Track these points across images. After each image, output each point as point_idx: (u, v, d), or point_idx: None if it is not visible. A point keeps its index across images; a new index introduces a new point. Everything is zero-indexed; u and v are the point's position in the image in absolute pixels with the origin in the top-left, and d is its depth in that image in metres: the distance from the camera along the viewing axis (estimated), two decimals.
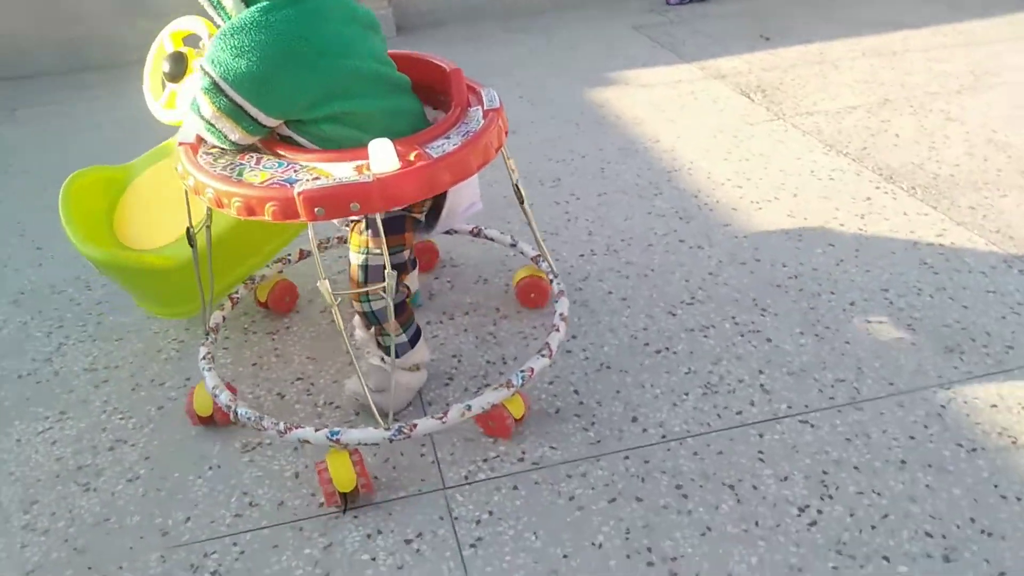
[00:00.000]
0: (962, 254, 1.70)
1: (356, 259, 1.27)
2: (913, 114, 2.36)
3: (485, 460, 1.28)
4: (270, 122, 1.17)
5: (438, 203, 1.30)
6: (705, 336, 1.52)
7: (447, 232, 1.71)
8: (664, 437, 1.30)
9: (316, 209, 1.05)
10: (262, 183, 1.11)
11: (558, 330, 1.37)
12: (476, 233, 1.70)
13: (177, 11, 3.58)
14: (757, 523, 1.14)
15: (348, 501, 1.21)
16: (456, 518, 1.18)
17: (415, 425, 1.21)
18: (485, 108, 1.24)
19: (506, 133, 1.25)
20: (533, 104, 2.65)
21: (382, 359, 1.36)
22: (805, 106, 2.47)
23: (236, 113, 1.14)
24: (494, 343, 1.54)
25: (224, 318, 1.55)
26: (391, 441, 1.21)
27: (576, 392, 1.40)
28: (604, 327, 1.56)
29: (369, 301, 1.27)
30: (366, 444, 1.21)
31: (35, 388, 1.52)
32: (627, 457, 1.27)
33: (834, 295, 1.60)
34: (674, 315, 1.58)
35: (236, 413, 1.28)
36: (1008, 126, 2.23)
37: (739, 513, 1.16)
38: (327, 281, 1.12)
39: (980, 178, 1.99)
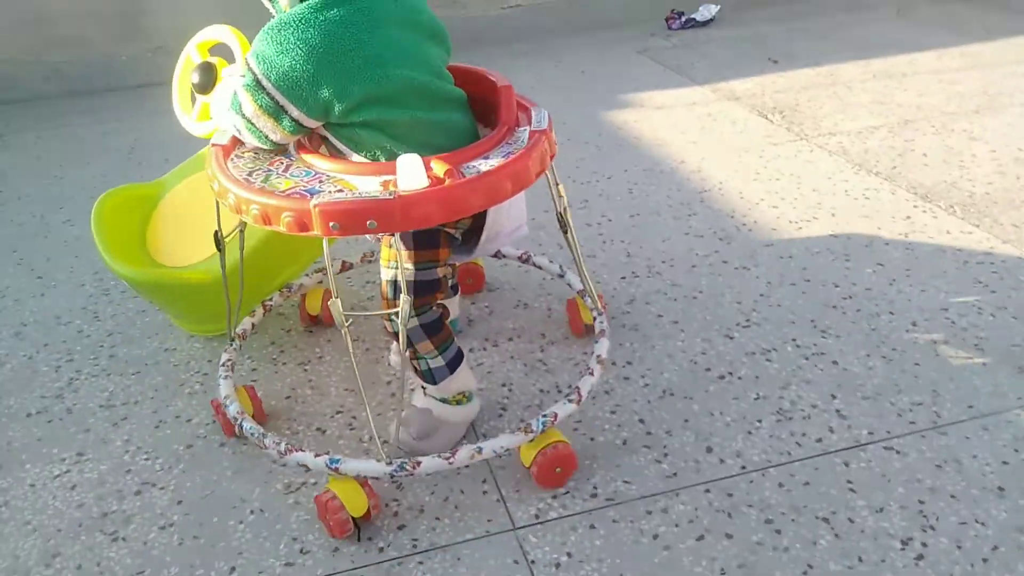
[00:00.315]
0: (1015, 272, 1.66)
1: (386, 274, 1.19)
2: (936, 134, 2.34)
3: (555, 497, 1.18)
4: (311, 123, 1.09)
5: (478, 223, 1.20)
6: (768, 360, 1.44)
7: (495, 256, 1.63)
8: (744, 468, 1.22)
9: (331, 224, 0.99)
10: (284, 191, 1.04)
11: (592, 374, 1.27)
12: (525, 259, 1.62)
13: (171, 34, 3.52)
14: (861, 559, 1.06)
15: (360, 528, 1.13)
16: (532, 561, 1.08)
17: (419, 463, 1.12)
18: (532, 128, 1.15)
19: (552, 156, 1.16)
20: None
21: (424, 394, 1.26)
22: (826, 127, 2.45)
23: (277, 112, 1.07)
24: (544, 370, 1.44)
25: (253, 325, 1.47)
26: (392, 477, 1.13)
27: (642, 421, 1.32)
28: (660, 352, 1.48)
29: (393, 320, 1.13)
30: (369, 477, 1.13)
31: (47, 427, 1.39)
32: (708, 490, 1.18)
33: (893, 315, 1.54)
34: (731, 338, 1.51)
35: (241, 427, 1.22)
36: None
37: (839, 548, 1.08)
38: (339, 302, 1.04)
39: (1017, 196, 1.96)
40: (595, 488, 1.19)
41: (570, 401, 1.21)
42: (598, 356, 1.30)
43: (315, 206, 0.98)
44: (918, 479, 1.18)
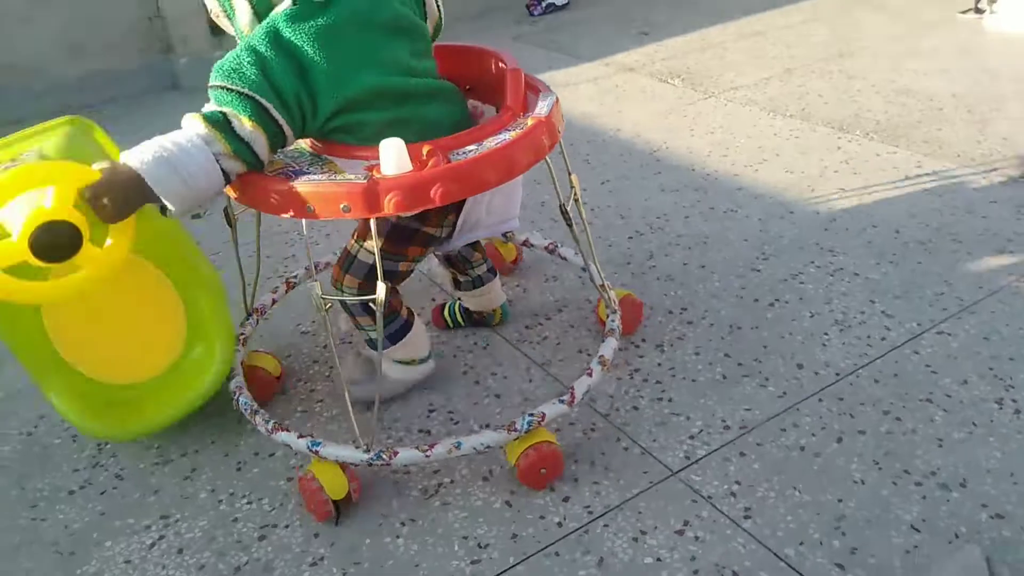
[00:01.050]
0: (949, 177, 1.92)
1: (351, 247, 1.23)
2: (820, 78, 2.63)
3: (692, 437, 1.22)
4: (292, 137, 1.07)
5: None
6: (800, 283, 1.57)
7: (524, 244, 1.61)
8: (838, 375, 1.33)
9: (307, 206, 1.00)
10: (272, 171, 1.06)
11: (590, 375, 1.21)
12: (551, 250, 1.60)
13: (10, 69, 3.08)
14: (974, 423, 1.20)
15: (340, 511, 1.13)
16: (709, 496, 1.12)
17: (396, 452, 1.12)
18: (532, 115, 1.14)
19: (552, 146, 1.11)
20: None
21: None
22: (724, 83, 2.66)
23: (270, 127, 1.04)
24: (556, 363, 1.48)
25: (274, 301, 1.45)
26: (370, 464, 1.12)
27: (728, 356, 1.39)
28: (706, 293, 1.56)
29: (343, 291, 1.23)
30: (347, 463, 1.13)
31: (104, 500, 1.21)
32: (820, 399, 1.28)
33: (877, 227, 1.73)
34: (758, 271, 1.62)
35: (238, 402, 1.24)
36: (901, 78, 2.56)
37: (952, 420, 1.21)
38: (318, 285, 1.08)
39: (912, 119, 2.26)
40: (723, 421, 1.25)
41: (561, 402, 1.16)
42: (601, 356, 1.24)
43: (291, 188, 1.01)
44: (976, 352, 1.35)
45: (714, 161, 2.11)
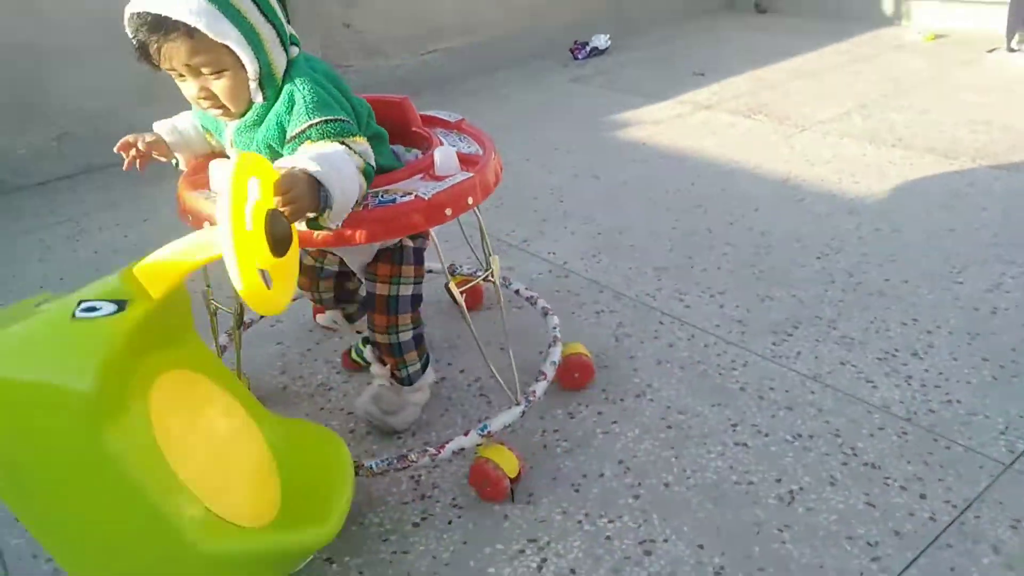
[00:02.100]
0: None
1: (385, 289, 1.30)
2: (895, 112, 2.83)
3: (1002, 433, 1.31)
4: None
5: None
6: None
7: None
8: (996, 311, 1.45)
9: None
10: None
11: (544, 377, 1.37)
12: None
13: (77, 118, 3.17)
14: None
15: (514, 489, 1.23)
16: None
17: (535, 392, 1.33)
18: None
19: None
20: (571, 166, 2.68)
21: (391, 383, 1.39)
22: (808, 117, 2.82)
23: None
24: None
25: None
26: (522, 415, 1.30)
27: (985, 359, 1.49)
28: (930, 304, 1.67)
29: (399, 334, 1.32)
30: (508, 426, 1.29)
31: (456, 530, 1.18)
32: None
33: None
34: (962, 282, 1.75)
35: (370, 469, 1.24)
36: (970, 110, 2.78)
37: None
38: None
39: (1008, 144, 2.47)
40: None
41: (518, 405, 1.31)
42: (553, 361, 1.40)
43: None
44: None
45: (848, 186, 2.25)
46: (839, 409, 1.38)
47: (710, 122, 2.88)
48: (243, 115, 1.17)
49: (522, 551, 1.14)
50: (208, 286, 1.38)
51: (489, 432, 1.25)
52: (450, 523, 1.20)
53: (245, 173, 0.93)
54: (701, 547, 1.13)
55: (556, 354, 1.42)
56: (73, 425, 0.89)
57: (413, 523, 1.21)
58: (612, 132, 2.86)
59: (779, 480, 1.24)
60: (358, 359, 1.55)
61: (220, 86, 1.12)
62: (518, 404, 1.31)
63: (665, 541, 1.15)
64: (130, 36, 1.09)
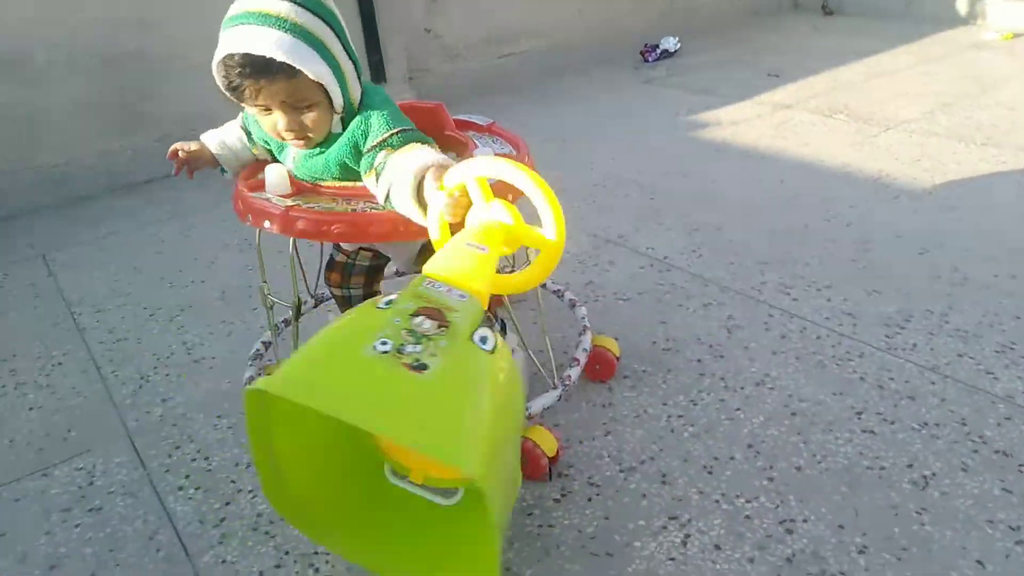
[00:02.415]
0: None
1: None
2: (981, 110, 2.82)
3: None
4: None
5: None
6: None
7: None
8: None
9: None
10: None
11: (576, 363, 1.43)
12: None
13: (176, 121, 3.23)
14: None
15: (552, 468, 1.30)
16: None
17: (570, 376, 1.40)
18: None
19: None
20: (658, 164, 2.72)
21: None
22: (892, 117, 2.82)
23: None
24: None
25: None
26: (559, 399, 1.38)
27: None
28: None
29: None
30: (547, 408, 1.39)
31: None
32: None
33: None
34: None
35: None
36: None
37: None
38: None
39: None
40: None
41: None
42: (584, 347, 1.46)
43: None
44: None
45: (941, 184, 2.25)
46: (962, 399, 1.40)
47: (791, 122, 2.89)
48: (318, 144, 1.27)
49: (664, 527, 1.19)
50: (265, 281, 1.42)
51: (530, 415, 1.33)
52: (589, 500, 1.25)
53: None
54: (841, 527, 1.16)
55: (587, 341, 1.49)
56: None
57: (554, 499, 1.26)
58: (694, 132, 2.89)
59: (910, 466, 1.26)
60: None
61: (310, 119, 1.20)
62: (555, 388, 1.38)
63: (804, 521, 1.18)
64: (224, 78, 1.15)
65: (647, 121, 3.05)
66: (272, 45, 1.10)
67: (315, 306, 1.66)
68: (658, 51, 3.89)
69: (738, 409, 1.42)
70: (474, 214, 1.08)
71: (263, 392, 0.92)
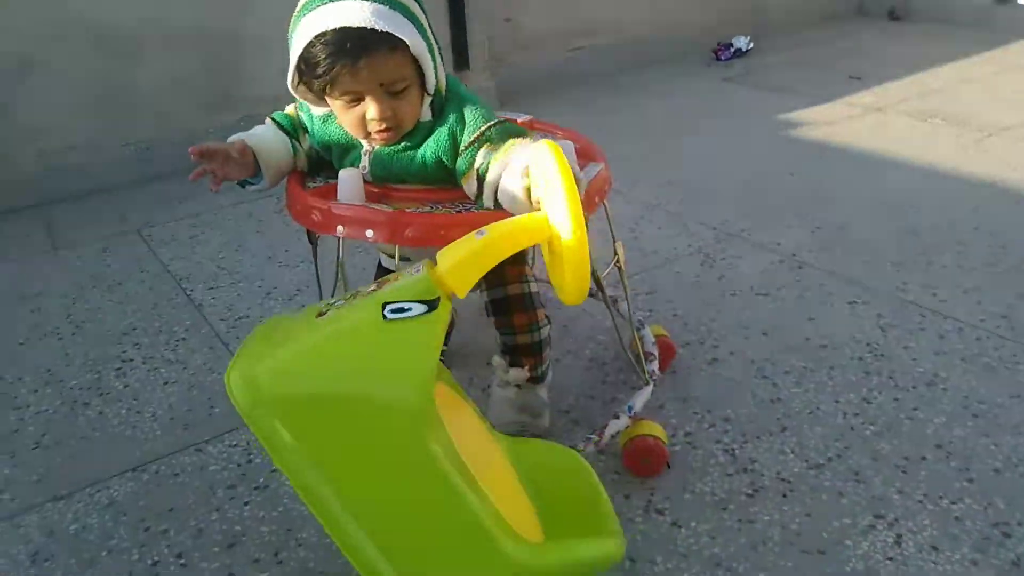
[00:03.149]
0: None
1: (520, 288, 1.27)
2: None
3: None
4: None
5: None
6: None
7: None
8: None
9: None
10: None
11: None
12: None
13: (259, 103, 3.20)
14: None
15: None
16: None
17: (654, 372, 1.37)
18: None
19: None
20: (759, 162, 2.68)
21: (518, 386, 1.32)
22: (992, 123, 2.77)
23: None
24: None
25: None
26: (651, 393, 1.33)
27: None
28: None
29: (539, 329, 1.30)
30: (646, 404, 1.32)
31: None
32: None
33: None
34: None
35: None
36: None
37: None
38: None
39: None
40: None
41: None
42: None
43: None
44: None
45: None
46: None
47: (885, 124, 2.85)
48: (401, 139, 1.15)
49: (872, 526, 1.15)
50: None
51: (634, 413, 1.27)
52: (784, 496, 1.21)
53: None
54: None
55: (649, 334, 1.45)
56: (403, 437, 0.84)
57: (746, 494, 1.22)
58: (786, 131, 2.85)
59: None
60: None
61: (405, 104, 1.09)
62: (647, 383, 1.34)
63: (1020, 524, 1.14)
64: (312, 65, 1.03)
65: (737, 119, 3.01)
66: (369, 16, 1.00)
67: None
68: (732, 49, 3.84)
69: (915, 408, 1.38)
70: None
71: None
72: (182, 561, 1.15)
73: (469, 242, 0.87)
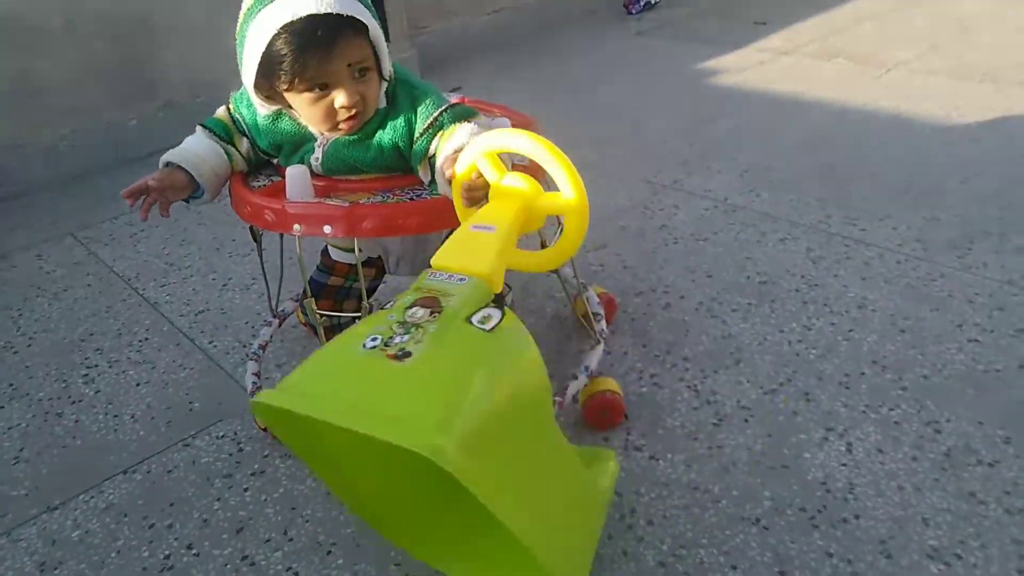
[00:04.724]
0: None
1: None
2: (969, 49, 2.99)
3: None
4: None
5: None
6: None
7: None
8: None
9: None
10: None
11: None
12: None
13: (181, 88, 3.14)
14: None
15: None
16: None
17: (603, 331, 1.42)
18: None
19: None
20: (682, 112, 2.79)
21: None
22: (889, 58, 2.97)
23: None
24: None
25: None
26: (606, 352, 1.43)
27: None
28: None
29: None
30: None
31: None
32: None
33: None
34: None
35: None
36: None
37: None
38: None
39: None
40: None
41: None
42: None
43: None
44: None
45: (958, 118, 2.41)
46: None
47: (795, 67, 3.01)
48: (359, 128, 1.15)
49: (825, 439, 1.28)
50: (311, 296, 1.28)
51: (591, 371, 1.33)
52: (746, 421, 1.33)
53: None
54: (981, 423, 1.29)
55: (593, 295, 1.52)
56: (549, 413, 0.95)
57: (712, 423, 1.34)
58: (703, 80, 2.97)
59: (1021, 367, 1.40)
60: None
61: (369, 88, 1.10)
62: (598, 342, 1.40)
63: (948, 421, 1.30)
64: (279, 58, 1.03)
65: (654, 71, 3.12)
66: (333, 1, 1.01)
67: (279, 325, 1.56)
68: (641, 3, 3.94)
69: (851, 330, 1.53)
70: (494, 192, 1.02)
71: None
72: (194, 551, 1.19)
73: (487, 239, 0.94)
